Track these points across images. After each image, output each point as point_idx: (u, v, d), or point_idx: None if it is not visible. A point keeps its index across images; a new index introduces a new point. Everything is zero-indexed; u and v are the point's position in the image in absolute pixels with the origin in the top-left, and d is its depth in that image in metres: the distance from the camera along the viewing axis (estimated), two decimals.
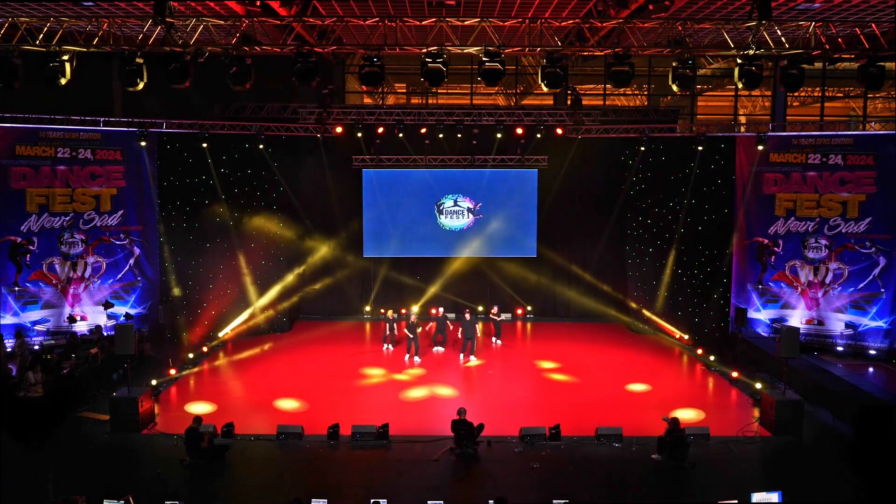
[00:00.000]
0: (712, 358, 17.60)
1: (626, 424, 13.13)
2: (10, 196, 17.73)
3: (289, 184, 20.46)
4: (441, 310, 19.04)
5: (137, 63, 12.09)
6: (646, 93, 22.67)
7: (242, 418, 13.57)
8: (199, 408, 14.37)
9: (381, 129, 19.63)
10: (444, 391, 15.79)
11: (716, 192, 19.66)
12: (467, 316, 18.40)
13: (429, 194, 21.57)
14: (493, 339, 19.30)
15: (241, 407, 14.55)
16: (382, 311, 20.08)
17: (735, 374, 16.41)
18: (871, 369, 17.28)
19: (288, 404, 14.78)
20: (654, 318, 20.39)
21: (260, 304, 20.21)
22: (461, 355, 17.95)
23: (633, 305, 20.88)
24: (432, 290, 21.78)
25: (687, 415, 14.05)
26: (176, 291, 19.58)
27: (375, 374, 17.00)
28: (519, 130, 19.71)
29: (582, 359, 18.16)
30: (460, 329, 18.20)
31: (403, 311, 19.39)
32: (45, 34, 12.50)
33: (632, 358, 18.27)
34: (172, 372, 16.34)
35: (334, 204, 21.45)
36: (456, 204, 21.61)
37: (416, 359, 17.67)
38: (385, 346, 18.70)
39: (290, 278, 20.80)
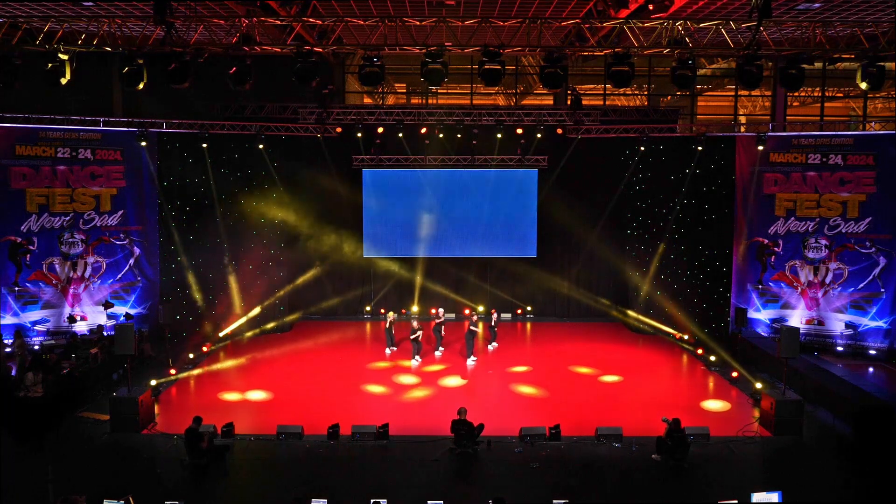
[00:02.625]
0: (712, 358, 17.60)
1: (626, 424, 13.13)
2: (10, 196, 17.74)
3: (289, 184, 20.46)
4: (441, 311, 18.91)
5: (137, 63, 12.09)
6: (646, 93, 22.66)
7: (242, 418, 13.57)
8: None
9: (381, 129, 19.63)
10: (444, 391, 15.79)
11: (716, 192, 19.67)
12: (474, 318, 18.41)
13: (429, 194, 21.57)
14: (489, 344, 19.13)
15: (242, 406, 14.54)
16: (382, 311, 20.07)
17: (735, 374, 16.42)
18: (871, 369, 17.28)
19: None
20: (654, 317, 20.39)
21: (259, 304, 20.22)
22: (469, 359, 17.82)
23: (633, 306, 20.85)
24: (432, 290, 21.80)
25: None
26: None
27: (376, 374, 17.00)
28: (519, 130, 19.71)
29: (582, 359, 18.16)
30: (466, 329, 18.26)
31: (404, 311, 19.38)
32: (45, 34, 12.50)
33: (632, 358, 18.27)
34: (172, 372, 16.34)
35: (334, 204, 21.47)
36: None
37: (418, 358, 17.67)
38: (388, 348, 18.68)
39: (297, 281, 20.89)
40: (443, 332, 18.48)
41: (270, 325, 20.42)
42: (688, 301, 20.08)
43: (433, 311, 20.24)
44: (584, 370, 17.28)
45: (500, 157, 20.72)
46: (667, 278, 20.25)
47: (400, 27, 12.52)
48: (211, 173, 19.59)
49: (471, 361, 17.65)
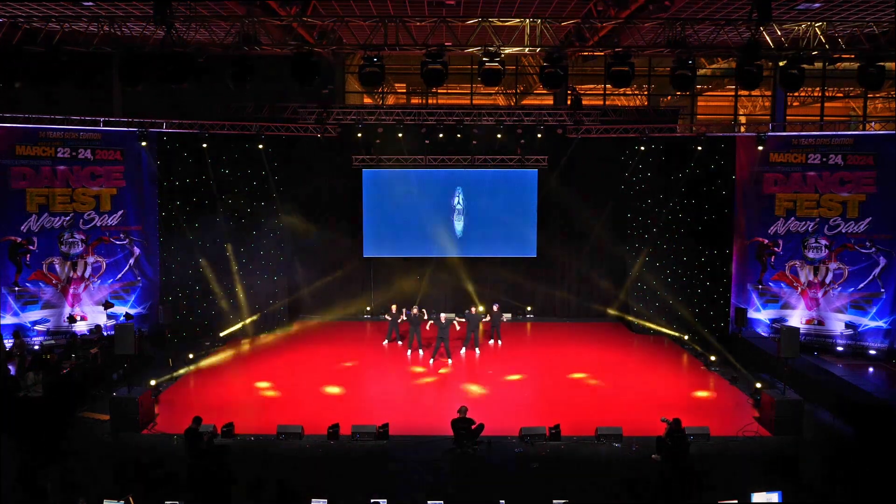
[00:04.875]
0: (712, 358, 17.60)
1: (626, 424, 13.13)
2: (10, 196, 17.72)
3: (288, 184, 20.46)
4: (442, 316, 18.83)
5: (137, 63, 12.08)
6: (646, 93, 22.66)
7: (242, 418, 13.57)
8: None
9: (381, 129, 19.63)
10: (445, 391, 15.80)
11: (716, 192, 19.66)
12: (473, 310, 18.66)
13: (429, 194, 21.56)
14: (491, 340, 19.29)
15: (242, 406, 14.53)
16: (386, 315, 19.85)
17: (735, 375, 16.41)
18: (871, 369, 17.28)
19: (279, 402, 14.81)
20: (654, 318, 20.38)
21: (259, 304, 20.22)
22: (463, 348, 18.35)
23: (633, 305, 20.86)
24: (432, 289, 21.82)
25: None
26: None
27: (376, 373, 17.01)
28: (519, 130, 19.71)
29: (582, 359, 18.16)
30: (466, 323, 18.63)
31: (404, 311, 19.40)
32: (45, 34, 12.50)
33: (631, 358, 18.28)
34: (172, 372, 16.32)
35: (334, 204, 21.49)
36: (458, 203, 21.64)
37: (420, 351, 17.88)
38: (386, 340, 18.84)
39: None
40: (452, 328, 18.57)
41: (270, 325, 20.40)
42: (688, 301, 20.07)
43: (432, 311, 20.29)
44: (583, 370, 17.26)
45: (500, 157, 20.74)
46: (667, 278, 20.24)
47: (400, 27, 12.51)
48: (211, 173, 19.58)
49: (475, 352, 18.05)
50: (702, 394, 15.85)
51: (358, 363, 17.73)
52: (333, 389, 15.73)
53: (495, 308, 19.39)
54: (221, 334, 19.55)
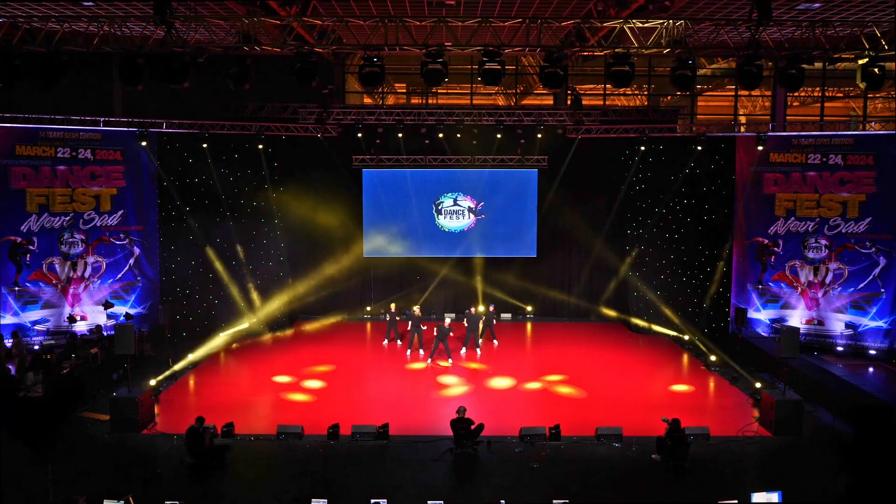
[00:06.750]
0: (712, 358, 17.60)
1: (626, 424, 13.13)
2: (10, 196, 17.73)
3: (288, 184, 20.45)
4: (447, 321, 18.78)
5: (137, 63, 12.09)
6: (646, 93, 22.66)
7: (243, 418, 13.57)
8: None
9: (381, 129, 19.64)
10: (444, 391, 15.80)
11: (716, 192, 19.67)
12: (472, 310, 18.69)
13: (429, 194, 21.57)
14: (480, 340, 19.12)
15: (242, 406, 14.54)
16: (383, 312, 20.12)
17: (735, 375, 16.41)
18: (871, 369, 17.28)
19: (291, 399, 14.80)
20: (654, 317, 20.38)
21: (259, 304, 20.22)
22: (463, 349, 18.43)
23: (633, 305, 20.85)
24: (432, 289, 21.82)
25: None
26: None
27: (376, 373, 17.01)
28: (519, 130, 19.71)
29: (582, 359, 18.16)
30: (465, 323, 18.68)
31: (405, 312, 19.46)
32: (45, 34, 12.50)
33: (632, 358, 18.27)
34: (173, 370, 16.32)
35: (334, 205, 21.47)
36: (456, 203, 21.60)
37: (421, 351, 17.91)
38: (385, 340, 18.97)
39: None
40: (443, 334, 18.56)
41: (270, 325, 20.39)
42: (688, 301, 20.07)
43: (432, 312, 20.33)
44: (583, 370, 17.25)
45: (500, 157, 20.73)
46: (667, 278, 20.25)
47: (400, 27, 12.51)
48: (211, 173, 19.58)
49: (463, 351, 18.27)
50: (701, 394, 15.86)
51: (358, 363, 17.73)
52: (333, 389, 15.72)
53: (491, 308, 19.44)
54: (221, 334, 19.55)
